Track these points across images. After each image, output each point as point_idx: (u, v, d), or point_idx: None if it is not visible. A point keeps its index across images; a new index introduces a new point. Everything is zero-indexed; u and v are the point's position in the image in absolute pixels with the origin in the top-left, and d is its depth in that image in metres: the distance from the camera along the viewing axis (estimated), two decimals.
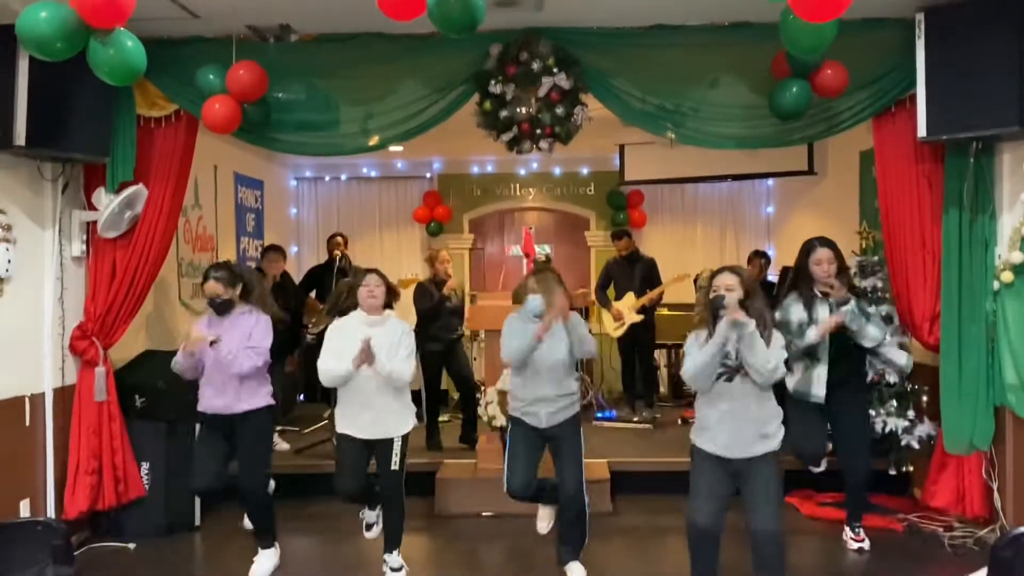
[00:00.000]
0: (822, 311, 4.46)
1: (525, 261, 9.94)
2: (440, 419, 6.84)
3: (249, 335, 4.38)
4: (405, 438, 4.34)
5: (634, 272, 7.68)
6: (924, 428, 5.10)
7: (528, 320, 4.24)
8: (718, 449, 3.58)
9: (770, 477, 3.55)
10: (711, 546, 3.63)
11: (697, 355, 3.56)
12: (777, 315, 4.31)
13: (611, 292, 7.84)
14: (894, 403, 5.14)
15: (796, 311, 4.50)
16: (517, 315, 4.34)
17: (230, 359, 4.29)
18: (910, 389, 5.19)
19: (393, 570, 4.39)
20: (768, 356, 3.48)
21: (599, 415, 7.60)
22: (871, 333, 4.44)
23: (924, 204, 4.84)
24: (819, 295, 4.51)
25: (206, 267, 4.60)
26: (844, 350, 4.52)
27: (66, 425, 4.88)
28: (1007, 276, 4.59)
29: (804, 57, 4.47)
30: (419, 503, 5.53)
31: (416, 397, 6.78)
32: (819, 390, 4.52)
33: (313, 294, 7.36)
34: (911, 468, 5.32)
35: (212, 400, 4.40)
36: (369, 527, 4.68)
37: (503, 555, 4.82)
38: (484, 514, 5.41)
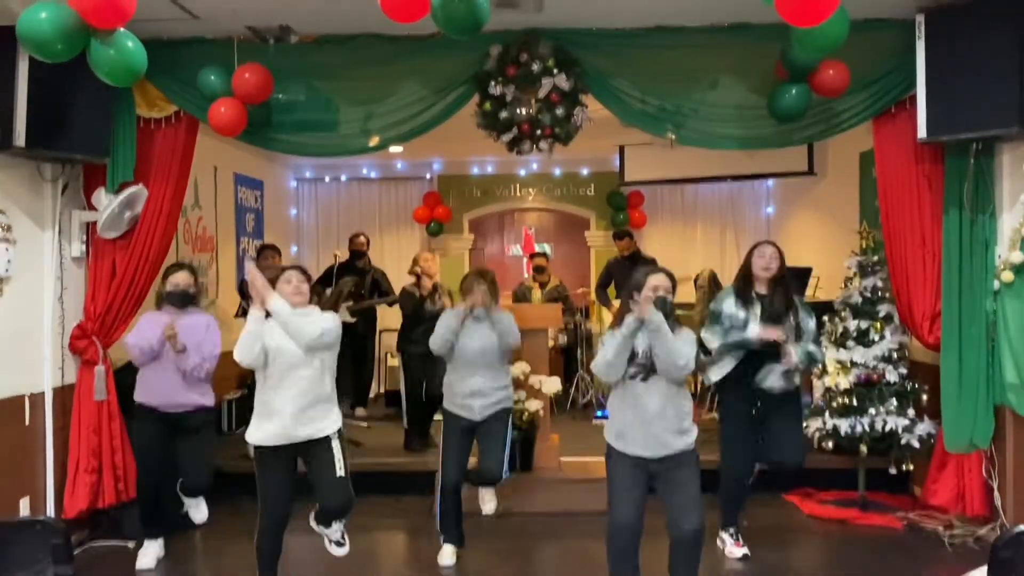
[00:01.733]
0: (755, 309, 4.50)
1: (525, 261, 9.98)
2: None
3: (201, 340, 4.55)
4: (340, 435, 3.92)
5: (637, 272, 7.66)
6: (924, 427, 5.10)
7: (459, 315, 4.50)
8: (638, 450, 3.57)
9: (689, 475, 3.60)
10: (632, 547, 3.68)
11: (607, 345, 3.58)
12: (711, 306, 4.65)
13: (611, 292, 7.84)
14: (894, 402, 5.14)
15: (728, 304, 4.55)
16: (455, 315, 4.55)
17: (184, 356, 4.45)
18: (910, 388, 5.19)
19: (337, 543, 4.11)
20: (678, 349, 3.47)
21: (599, 414, 7.59)
22: (802, 359, 4.44)
23: (924, 204, 4.84)
24: (756, 295, 4.53)
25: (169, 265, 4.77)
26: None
27: (66, 424, 4.88)
28: (1007, 276, 4.60)
29: (815, 57, 4.47)
30: (419, 503, 5.53)
31: (395, 399, 6.75)
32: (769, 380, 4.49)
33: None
34: (911, 467, 5.32)
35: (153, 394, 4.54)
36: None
37: (503, 555, 4.82)
38: (484, 514, 5.40)
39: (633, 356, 3.57)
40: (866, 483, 5.34)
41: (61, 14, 3.58)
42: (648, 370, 3.56)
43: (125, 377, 5.15)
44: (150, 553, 4.66)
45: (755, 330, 4.43)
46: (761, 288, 4.54)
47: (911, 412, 5.14)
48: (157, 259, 5.07)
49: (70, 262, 4.97)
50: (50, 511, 4.77)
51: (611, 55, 4.97)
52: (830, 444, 5.33)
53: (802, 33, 3.82)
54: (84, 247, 5.02)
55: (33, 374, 4.76)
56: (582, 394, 8.11)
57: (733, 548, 4.67)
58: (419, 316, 6.33)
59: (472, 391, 4.47)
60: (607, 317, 7.77)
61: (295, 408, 3.73)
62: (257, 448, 3.85)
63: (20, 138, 4.32)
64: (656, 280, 3.62)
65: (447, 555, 4.57)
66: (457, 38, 3.74)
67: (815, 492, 5.64)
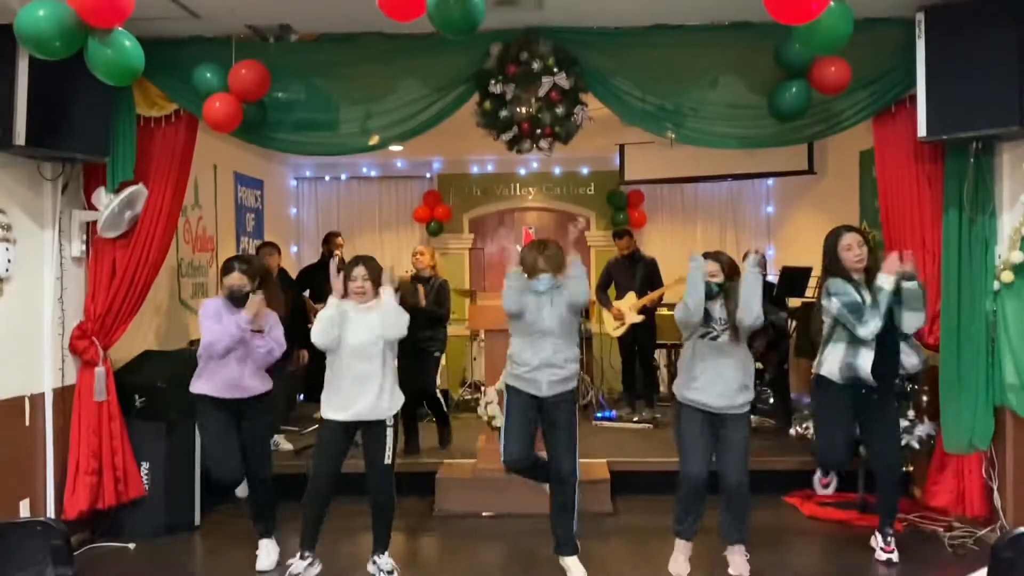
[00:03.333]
0: (866, 296, 4.30)
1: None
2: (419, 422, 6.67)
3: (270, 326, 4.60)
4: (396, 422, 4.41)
5: (635, 272, 7.68)
6: (924, 428, 5.09)
7: (530, 291, 4.29)
8: (712, 400, 4.27)
9: (743, 430, 4.35)
10: (702, 492, 4.33)
11: (686, 299, 4.22)
12: (834, 302, 4.30)
13: (611, 292, 7.84)
14: (894, 403, 5.13)
15: (849, 289, 4.29)
16: (518, 276, 4.31)
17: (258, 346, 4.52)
18: (910, 389, 5.18)
19: (384, 572, 4.38)
20: (758, 303, 4.18)
21: (599, 415, 7.59)
22: (918, 317, 4.30)
23: (924, 204, 4.84)
24: (856, 282, 4.35)
25: (227, 258, 4.76)
26: (884, 339, 4.32)
27: (66, 425, 4.88)
28: (1007, 276, 4.60)
29: (812, 54, 4.46)
30: (419, 503, 5.53)
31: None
32: (866, 368, 4.31)
33: (307, 294, 7.35)
34: (911, 468, 5.32)
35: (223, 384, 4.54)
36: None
37: (503, 555, 4.82)
38: (484, 514, 5.41)
39: (709, 319, 4.29)
40: (866, 485, 5.33)
41: (59, 12, 3.57)
42: (720, 331, 4.30)
43: (125, 377, 5.15)
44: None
45: (885, 280, 4.24)
46: (854, 275, 4.38)
47: (911, 413, 5.13)
48: (157, 259, 5.06)
49: (70, 262, 4.97)
50: (50, 512, 4.77)
51: (611, 54, 4.96)
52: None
53: (804, 31, 3.81)
54: (84, 247, 5.02)
55: (33, 375, 4.76)
56: (582, 395, 8.10)
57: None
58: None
59: (541, 361, 4.28)
60: (607, 318, 7.76)
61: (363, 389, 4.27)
62: (325, 420, 4.37)
63: (20, 137, 4.31)
64: (708, 267, 4.30)
65: None
66: (453, 38, 3.73)
67: (815, 494, 5.62)
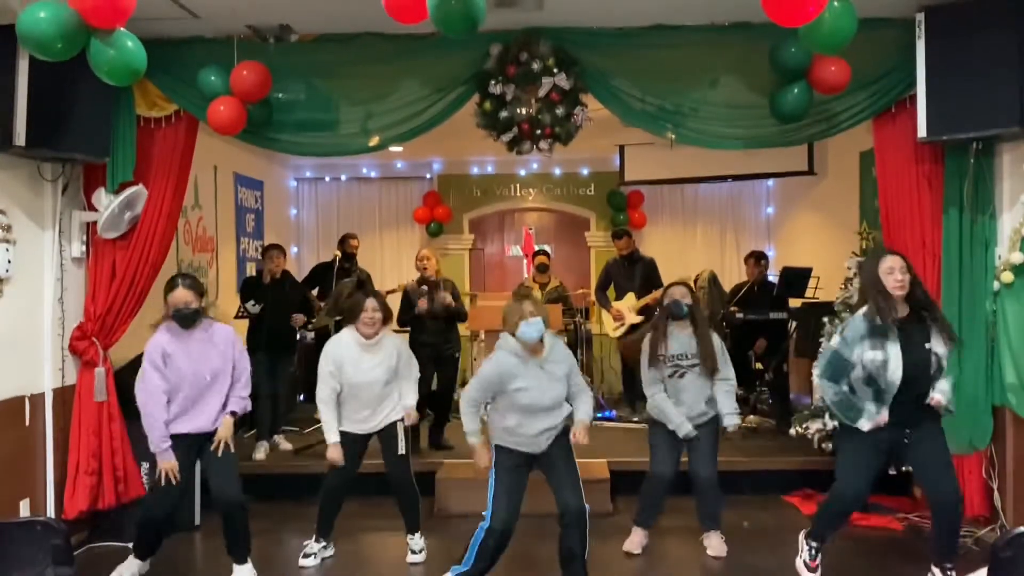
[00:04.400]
0: (892, 349, 3.80)
1: (525, 261, 9.98)
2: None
3: (224, 354, 4.31)
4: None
5: (634, 272, 7.68)
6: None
7: (521, 355, 3.87)
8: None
9: (711, 433, 4.62)
10: (665, 490, 4.69)
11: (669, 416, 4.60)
12: (835, 340, 3.96)
13: (611, 293, 7.84)
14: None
15: (867, 345, 3.83)
16: (506, 350, 3.90)
17: (207, 381, 4.22)
18: None
19: (413, 552, 4.73)
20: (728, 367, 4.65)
21: (599, 415, 7.58)
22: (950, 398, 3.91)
23: (924, 204, 4.84)
24: (892, 320, 3.81)
25: (170, 277, 4.39)
26: (912, 390, 3.86)
27: (66, 425, 4.88)
28: (1007, 276, 4.60)
29: (808, 55, 4.47)
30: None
31: (435, 397, 6.74)
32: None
33: (316, 292, 7.36)
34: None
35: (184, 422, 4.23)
36: (308, 556, 4.70)
37: (503, 555, 4.82)
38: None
39: (674, 355, 4.59)
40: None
41: (61, 13, 3.58)
42: (686, 370, 4.57)
43: (126, 378, 5.15)
44: None
45: (865, 424, 3.85)
46: (899, 310, 3.87)
47: None
48: (157, 259, 5.06)
49: (70, 262, 4.97)
50: (50, 512, 4.77)
51: (611, 54, 4.96)
52: (830, 445, 5.33)
53: (809, 30, 3.81)
54: (84, 247, 5.02)
55: (33, 375, 4.76)
56: None
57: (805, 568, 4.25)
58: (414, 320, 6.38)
59: (541, 430, 3.96)
60: (607, 318, 7.77)
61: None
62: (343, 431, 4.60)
63: (20, 138, 4.31)
64: (676, 291, 4.64)
65: None
66: (454, 37, 3.73)
67: (815, 494, 5.63)
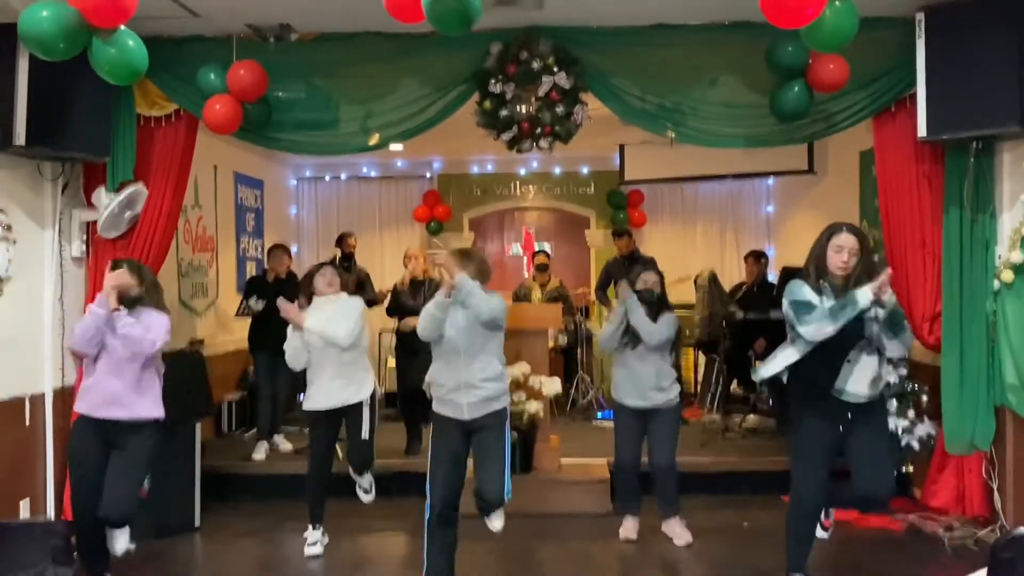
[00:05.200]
0: (827, 303, 3.59)
1: (525, 260, 9.98)
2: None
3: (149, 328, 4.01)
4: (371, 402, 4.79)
5: (634, 271, 7.67)
6: (924, 428, 5.08)
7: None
8: (632, 401, 4.86)
9: (669, 423, 4.86)
10: (632, 475, 4.94)
11: (605, 326, 4.97)
12: (785, 305, 3.70)
13: (611, 292, 7.84)
14: (894, 403, 5.13)
15: (805, 291, 3.65)
16: (443, 305, 3.96)
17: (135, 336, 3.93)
18: (910, 389, 5.18)
19: (364, 491, 4.98)
20: (649, 328, 4.80)
21: (599, 415, 7.59)
22: (904, 342, 3.65)
23: (924, 204, 4.83)
24: (827, 285, 3.65)
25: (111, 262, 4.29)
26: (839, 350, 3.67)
27: (66, 425, 4.86)
28: (1007, 275, 4.59)
29: (827, 52, 4.46)
30: (419, 503, 5.51)
31: (392, 401, 6.75)
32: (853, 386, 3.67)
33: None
34: (911, 468, 5.32)
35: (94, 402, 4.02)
36: (313, 544, 4.81)
37: (503, 555, 4.82)
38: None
39: (627, 330, 4.86)
40: None
41: (62, 12, 3.57)
42: (636, 340, 4.84)
43: None
44: None
45: (862, 296, 3.47)
46: (836, 279, 3.67)
47: (911, 413, 5.12)
48: (157, 259, 5.05)
49: (70, 262, 4.97)
50: (50, 512, 4.77)
51: (611, 53, 4.96)
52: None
53: (810, 29, 3.80)
54: (84, 247, 5.02)
55: (33, 375, 4.76)
56: (582, 395, 8.11)
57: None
58: (404, 313, 6.43)
59: (459, 382, 3.92)
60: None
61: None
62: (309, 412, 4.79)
63: (20, 137, 4.32)
64: (648, 277, 5.03)
65: None
66: (449, 34, 3.72)
67: None
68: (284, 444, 6.51)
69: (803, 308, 3.60)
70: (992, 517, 4.75)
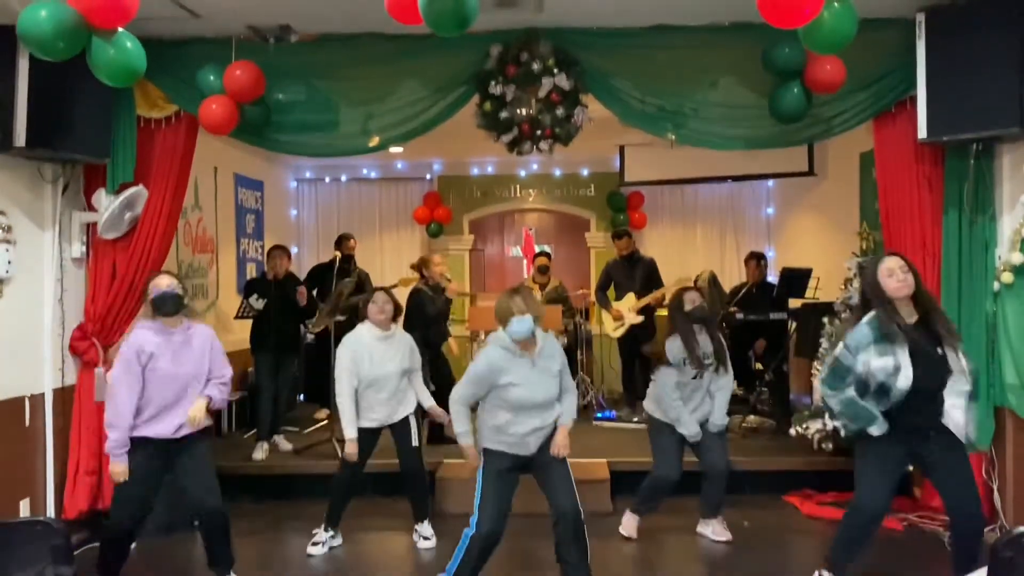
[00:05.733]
0: (901, 355, 3.56)
1: (525, 262, 9.98)
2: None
3: (200, 357, 4.03)
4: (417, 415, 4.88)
5: (634, 273, 7.69)
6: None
7: (512, 350, 3.80)
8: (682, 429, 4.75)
9: (717, 433, 4.80)
10: (669, 491, 4.80)
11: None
12: (839, 347, 3.71)
13: (611, 293, 7.84)
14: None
15: (874, 352, 3.60)
16: (497, 344, 3.84)
17: (192, 383, 3.99)
18: None
19: (424, 538, 4.93)
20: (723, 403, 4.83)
21: (599, 415, 7.59)
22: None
23: (924, 205, 4.84)
24: (899, 326, 3.58)
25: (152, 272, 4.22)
26: (925, 399, 3.62)
27: (66, 425, 4.88)
28: (1007, 277, 4.60)
29: (825, 54, 4.47)
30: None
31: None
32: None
33: (315, 292, 7.36)
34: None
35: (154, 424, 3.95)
36: (316, 544, 4.85)
37: (503, 555, 4.81)
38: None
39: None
40: None
41: (61, 12, 3.57)
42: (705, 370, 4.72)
43: None
44: None
45: (880, 426, 3.63)
46: (906, 315, 3.63)
47: None
48: (157, 260, 5.06)
49: (70, 263, 4.97)
50: (50, 512, 4.78)
51: (611, 55, 4.97)
52: (830, 445, 5.34)
53: (809, 30, 3.80)
54: (84, 248, 5.02)
55: (33, 375, 4.76)
56: (582, 395, 8.11)
57: None
58: (435, 318, 6.52)
59: (531, 429, 3.86)
60: (607, 319, 7.77)
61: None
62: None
63: (20, 138, 4.33)
64: (691, 296, 4.80)
65: None
66: (445, 35, 3.72)
67: (814, 493, 5.64)
68: (284, 444, 6.51)
69: (840, 373, 3.66)
70: (992, 517, 4.75)
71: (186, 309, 4.07)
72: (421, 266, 6.76)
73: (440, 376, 6.59)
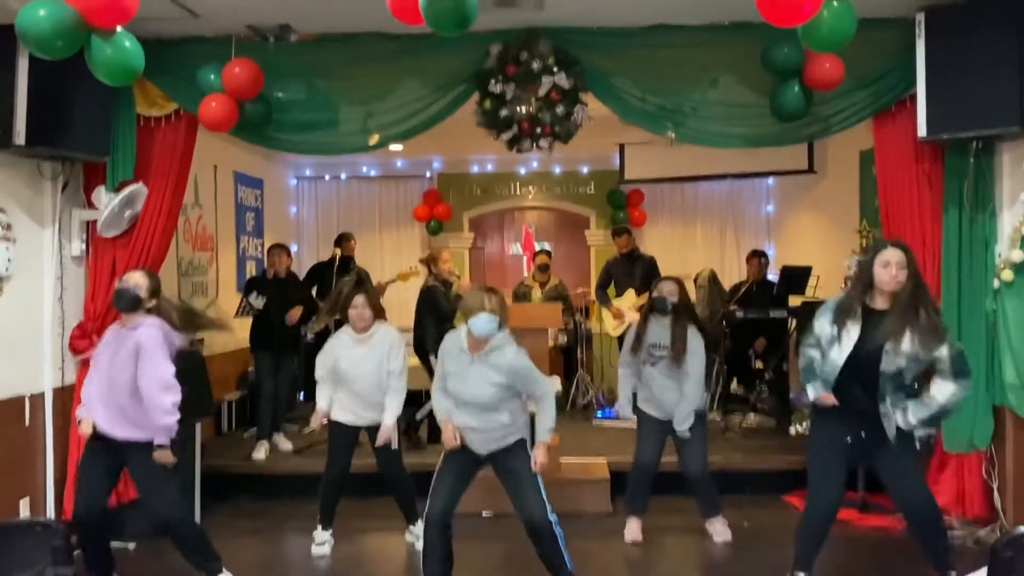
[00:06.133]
0: (850, 330, 3.68)
1: (525, 259, 9.98)
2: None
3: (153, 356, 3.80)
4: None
5: (634, 270, 7.69)
6: (924, 428, 5.06)
7: (463, 343, 3.82)
8: (653, 413, 4.82)
9: (697, 432, 4.74)
10: (650, 476, 4.86)
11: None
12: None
13: (611, 291, 7.84)
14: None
15: (822, 323, 3.80)
16: (459, 332, 3.89)
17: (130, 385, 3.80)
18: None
19: (419, 538, 4.70)
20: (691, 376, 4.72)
21: (599, 414, 7.59)
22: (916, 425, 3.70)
23: (924, 203, 4.84)
24: (864, 305, 3.70)
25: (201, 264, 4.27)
26: (862, 378, 3.71)
27: (66, 425, 4.88)
28: (1007, 275, 4.59)
29: (825, 52, 4.46)
30: (419, 503, 5.51)
31: (416, 398, 6.78)
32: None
33: (315, 291, 7.37)
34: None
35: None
36: (321, 544, 4.87)
37: (503, 555, 4.82)
38: (484, 514, 5.41)
39: (651, 345, 4.77)
40: (865, 484, 5.32)
41: (60, 11, 3.56)
42: (658, 359, 4.74)
43: None
44: None
45: (811, 392, 3.82)
46: (880, 303, 3.71)
47: None
48: (157, 258, 5.06)
49: (70, 261, 4.97)
50: (50, 512, 4.78)
51: (611, 54, 4.96)
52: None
53: (808, 29, 3.79)
54: (84, 246, 5.02)
55: (33, 374, 4.76)
56: (582, 394, 8.11)
57: None
58: (448, 315, 6.47)
59: (467, 426, 3.90)
60: (607, 317, 7.76)
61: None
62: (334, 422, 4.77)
63: (20, 136, 4.32)
64: (665, 286, 4.80)
65: None
66: (445, 35, 3.71)
67: None
68: (284, 443, 6.51)
69: (807, 330, 3.89)
70: (992, 517, 4.75)
71: (142, 310, 3.89)
72: (430, 262, 6.77)
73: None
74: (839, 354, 3.70)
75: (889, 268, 3.63)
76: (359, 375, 4.63)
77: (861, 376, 3.68)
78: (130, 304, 3.86)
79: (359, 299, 4.65)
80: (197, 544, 4.10)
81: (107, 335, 4.02)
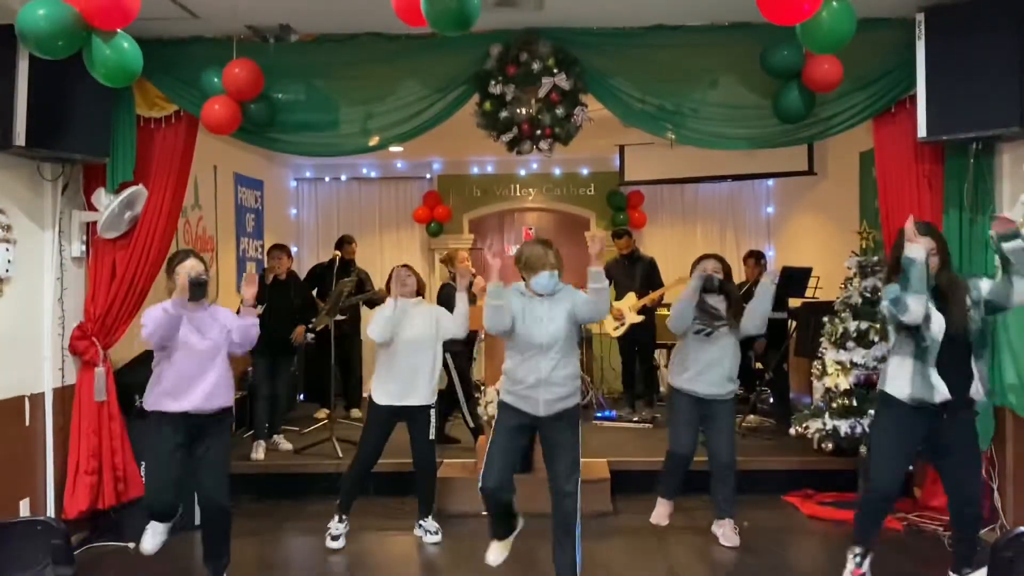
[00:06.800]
0: (932, 309, 3.76)
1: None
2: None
3: (223, 328, 4.08)
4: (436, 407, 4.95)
5: (635, 272, 7.70)
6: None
7: (527, 294, 4.06)
8: (697, 388, 4.67)
9: (729, 416, 4.73)
10: (686, 466, 4.78)
11: (676, 304, 4.71)
12: (883, 304, 3.89)
13: (611, 292, 7.84)
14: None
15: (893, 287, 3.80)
16: (516, 288, 4.12)
17: (204, 353, 3.99)
18: None
19: (430, 532, 4.98)
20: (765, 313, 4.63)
21: (599, 415, 7.59)
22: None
23: (924, 204, 4.84)
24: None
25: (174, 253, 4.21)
26: (955, 355, 3.78)
27: (66, 425, 4.88)
28: None
29: (824, 53, 4.46)
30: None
31: (443, 396, 6.81)
32: (941, 390, 3.74)
33: (315, 292, 7.37)
34: (911, 467, 5.31)
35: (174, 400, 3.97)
36: (336, 538, 4.89)
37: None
38: (484, 514, 5.39)
39: (704, 311, 4.69)
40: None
41: (60, 11, 3.56)
42: (712, 329, 4.66)
43: (125, 378, 5.15)
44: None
45: (912, 248, 3.68)
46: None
47: None
48: (157, 259, 5.05)
49: (70, 262, 4.97)
50: (50, 512, 4.77)
51: (611, 54, 4.97)
52: (830, 445, 5.33)
53: (807, 29, 3.80)
54: (84, 247, 5.02)
55: (33, 375, 4.76)
56: (582, 395, 8.10)
57: None
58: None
59: (537, 379, 3.93)
60: (607, 318, 7.76)
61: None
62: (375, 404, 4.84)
63: (20, 138, 4.32)
64: (708, 264, 4.79)
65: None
66: (447, 35, 3.71)
67: (814, 493, 5.64)
68: (284, 444, 6.51)
69: (896, 300, 3.73)
70: (992, 517, 4.75)
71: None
72: (447, 262, 6.82)
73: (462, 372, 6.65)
74: (938, 329, 3.72)
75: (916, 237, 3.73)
76: (414, 336, 4.76)
77: (954, 347, 3.75)
78: (206, 292, 4.05)
79: (402, 271, 4.88)
80: (228, 536, 4.22)
81: (182, 323, 3.94)
